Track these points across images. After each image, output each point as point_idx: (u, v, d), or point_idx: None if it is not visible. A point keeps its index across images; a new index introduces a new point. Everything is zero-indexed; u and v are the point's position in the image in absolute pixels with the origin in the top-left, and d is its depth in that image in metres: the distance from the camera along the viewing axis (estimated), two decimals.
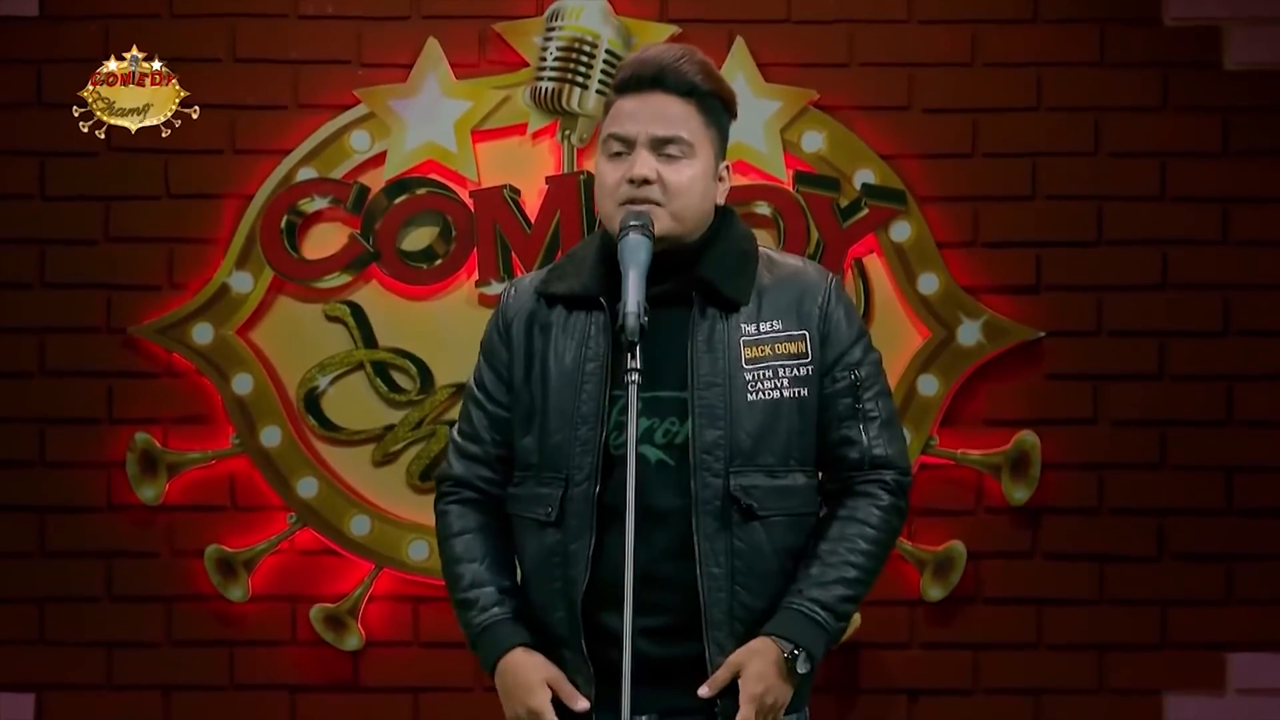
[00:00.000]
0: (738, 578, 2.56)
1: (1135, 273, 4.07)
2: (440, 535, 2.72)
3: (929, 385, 4.01)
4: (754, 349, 2.60)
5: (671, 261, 2.58)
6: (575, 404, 2.58)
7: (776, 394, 2.59)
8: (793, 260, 2.73)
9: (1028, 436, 4.02)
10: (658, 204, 2.56)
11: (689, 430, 2.55)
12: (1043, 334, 4.04)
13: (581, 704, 2.56)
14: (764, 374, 2.59)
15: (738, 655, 2.54)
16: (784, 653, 2.53)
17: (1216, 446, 4.06)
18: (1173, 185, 4.07)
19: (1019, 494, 4.02)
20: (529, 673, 2.59)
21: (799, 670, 2.54)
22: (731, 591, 2.55)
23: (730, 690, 2.54)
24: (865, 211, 4.02)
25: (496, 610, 2.63)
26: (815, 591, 2.57)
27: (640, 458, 2.53)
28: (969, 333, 4.02)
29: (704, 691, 2.53)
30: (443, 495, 2.73)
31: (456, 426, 2.75)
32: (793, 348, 2.61)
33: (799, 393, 2.60)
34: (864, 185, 4.02)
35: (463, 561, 2.67)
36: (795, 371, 2.61)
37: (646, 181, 2.55)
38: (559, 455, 2.59)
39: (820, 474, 2.68)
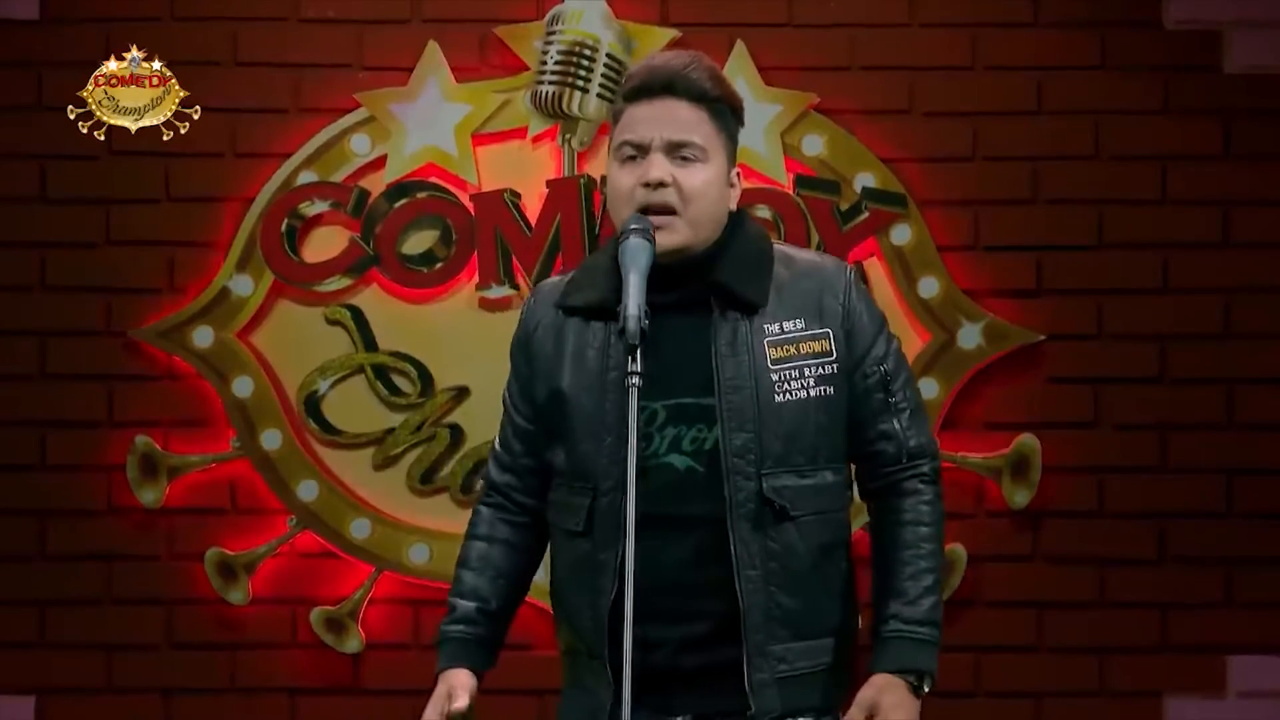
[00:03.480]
0: (773, 579, 2.55)
1: (1136, 276, 4.07)
2: (466, 531, 2.77)
3: (929, 389, 4.00)
4: (779, 349, 2.57)
5: (687, 266, 2.56)
6: (601, 414, 2.57)
7: (804, 394, 2.57)
8: (809, 256, 2.71)
9: (1028, 440, 4.02)
10: (673, 209, 2.54)
11: (718, 435, 2.54)
12: (1043, 337, 4.04)
13: (459, 703, 2.65)
14: (790, 374, 2.57)
15: (867, 693, 2.56)
16: (910, 681, 2.58)
17: (1217, 450, 4.06)
18: (1173, 189, 4.07)
19: (1019, 497, 4.02)
20: (456, 678, 2.69)
21: (924, 690, 2.60)
22: (768, 593, 2.54)
23: (767, 690, 2.54)
24: (865, 215, 4.02)
25: (463, 628, 2.69)
26: (909, 611, 2.60)
27: (667, 466, 2.54)
28: (969, 336, 4.02)
29: None
30: (483, 495, 2.78)
31: (498, 432, 2.77)
32: (817, 346, 2.58)
33: (825, 391, 2.58)
34: (864, 189, 4.02)
35: (468, 567, 2.73)
36: (821, 370, 2.58)
37: (662, 184, 2.53)
38: (586, 465, 2.58)
39: (853, 469, 2.67)
